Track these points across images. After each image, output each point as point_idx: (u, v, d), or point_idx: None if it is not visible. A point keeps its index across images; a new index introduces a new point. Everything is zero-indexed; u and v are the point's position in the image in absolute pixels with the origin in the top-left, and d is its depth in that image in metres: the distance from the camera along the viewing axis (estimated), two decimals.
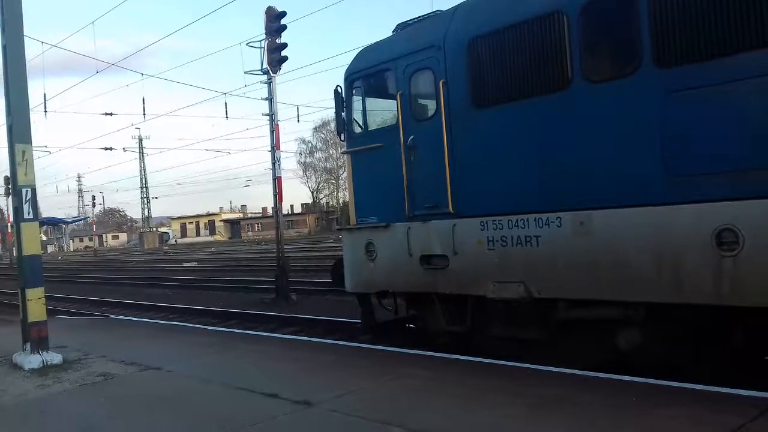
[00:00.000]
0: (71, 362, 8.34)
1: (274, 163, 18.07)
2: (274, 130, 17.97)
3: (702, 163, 5.32)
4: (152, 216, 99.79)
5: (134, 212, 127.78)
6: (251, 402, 5.95)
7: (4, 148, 8.94)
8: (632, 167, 5.77)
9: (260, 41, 17.83)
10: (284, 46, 17.37)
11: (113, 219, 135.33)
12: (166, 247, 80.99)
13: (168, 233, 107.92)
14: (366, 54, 8.76)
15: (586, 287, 6.19)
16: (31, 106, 9.00)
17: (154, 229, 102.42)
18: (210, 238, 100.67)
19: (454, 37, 7.36)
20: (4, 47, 8.65)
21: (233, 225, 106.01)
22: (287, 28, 17.28)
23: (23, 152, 8.61)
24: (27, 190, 8.62)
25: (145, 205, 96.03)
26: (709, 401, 4.97)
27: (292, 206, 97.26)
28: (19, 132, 8.65)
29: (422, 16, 8.33)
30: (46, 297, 8.74)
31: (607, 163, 5.97)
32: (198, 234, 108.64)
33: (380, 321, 9.13)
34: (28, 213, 8.62)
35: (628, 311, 6.06)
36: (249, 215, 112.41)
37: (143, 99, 39.55)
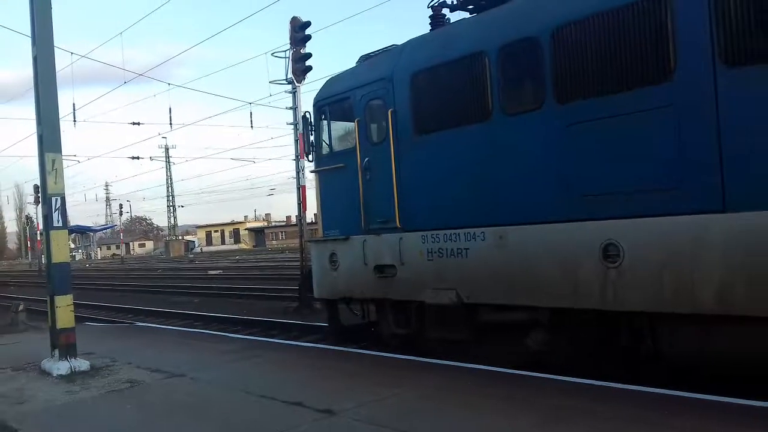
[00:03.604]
0: (98, 369, 8.43)
1: (298, 172, 18.17)
2: (298, 140, 18.06)
3: (592, 186, 6.17)
4: (178, 224, 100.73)
5: (160, 220, 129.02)
6: (274, 410, 5.96)
7: (35, 157, 9.06)
8: (539, 189, 6.61)
9: (285, 51, 17.99)
10: (309, 55, 17.49)
11: (140, 227, 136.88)
12: (192, 255, 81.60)
13: (194, 241, 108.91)
14: (332, 83, 9.69)
15: (503, 294, 7.05)
16: (60, 116, 9.10)
17: (180, 237, 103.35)
18: (234, 247, 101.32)
19: (400, 71, 8.24)
20: (35, 58, 8.80)
21: (257, 233, 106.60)
22: (312, 38, 17.42)
23: (53, 161, 8.74)
24: (56, 199, 8.74)
25: (171, 214, 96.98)
26: (722, 412, 4.91)
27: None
28: (49, 141, 8.78)
29: (382, 49, 9.16)
30: (74, 304, 8.84)
31: (520, 184, 6.82)
32: (223, 242, 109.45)
33: (348, 325, 9.91)
34: (58, 221, 8.74)
35: (536, 315, 6.88)
36: (273, 224, 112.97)
37: (170, 108, 40.02)
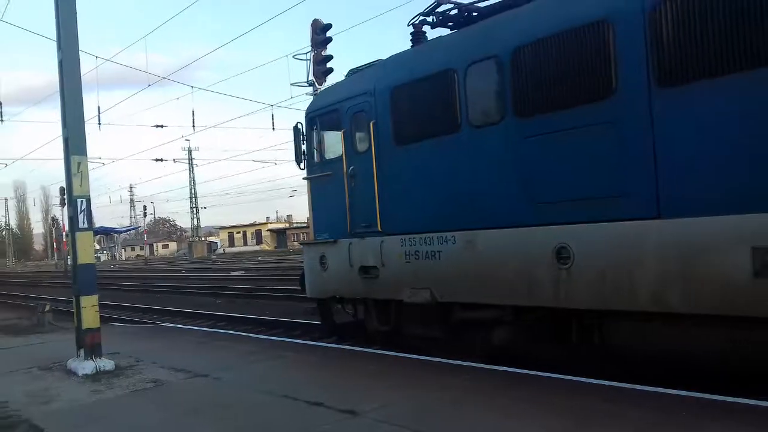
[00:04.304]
0: (123, 368, 8.52)
1: None
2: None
3: (546, 194, 6.70)
4: (201, 225, 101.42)
5: (184, 222, 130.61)
6: (297, 410, 5.99)
7: (61, 160, 9.17)
8: (502, 196, 7.17)
9: (306, 53, 18.06)
10: (330, 57, 17.55)
11: (163, 228, 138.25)
12: (215, 256, 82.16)
13: (216, 242, 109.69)
14: (323, 95, 10.32)
15: (472, 293, 7.61)
16: (85, 119, 9.20)
17: (203, 238, 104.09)
18: (257, 248, 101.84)
19: (381, 85, 8.80)
20: (61, 62, 8.91)
21: (279, 234, 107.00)
22: (332, 40, 17.47)
23: (78, 164, 8.84)
24: (82, 201, 8.84)
25: (194, 215, 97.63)
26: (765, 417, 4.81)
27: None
28: (75, 144, 8.88)
29: (368, 63, 9.77)
30: (99, 304, 8.94)
31: (486, 192, 7.36)
32: (245, 243, 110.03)
33: (340, 323, 10.52)
34: (83, 223, 8.84)
35: (501, 313, 7.43)
36: (294, 225, 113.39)
37: (193, 111, 40.49)
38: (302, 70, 18.60)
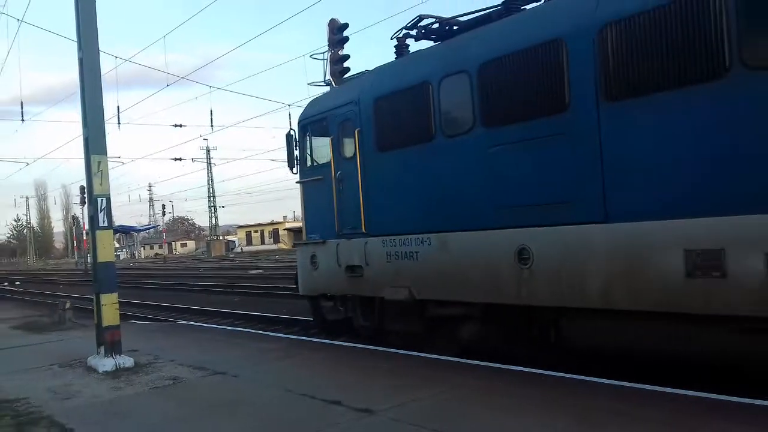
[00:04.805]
0: (142, 366, 8.60)
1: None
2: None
3: (509, 199, 7.24)
4: (219, 224, 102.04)
5: (202, 221, 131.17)
6: (314, 408, 6.02)
7: (81, 159, 9.27)
8: (471, 200, 7.69)
9: (323, 53, 18.04)
10: (347, 57, 17.51)
11: (182, 227, 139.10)
12: (232, 255, 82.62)
13: (234, 241, 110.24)
14: (314, 103, 10.85)
15: (445, 291, 8.11)
16: (105, 119, 9.29)
17: (221, 237, 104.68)
18: (274, 246, 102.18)
19: (365, 95, 9.36)
20: (81, 62, 9.00)
21: (296, 233, 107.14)
22: (349, 40, 17.45)
23: (98, 163, 8.93)
24: (102, 200, 8.93)
25: (212, 214, 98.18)
26: None
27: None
28: (95, 143, 8.97)
29: (358, 73, 10.43)
30: (118, 302, 9.03)
31: (457, 196, 7.88)
32: (262, 242, 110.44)
33: (330, 319, 10.82)
34: (103, 221, 8.93)
35: (470, 310, 7.91)
36: None
37: (211, 111, 40.75)
38: (319, 70, 18.60)
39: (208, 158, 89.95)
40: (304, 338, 10.70)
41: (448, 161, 7.98)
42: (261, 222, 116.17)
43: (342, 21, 17.57)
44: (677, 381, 5.88)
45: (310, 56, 19.24)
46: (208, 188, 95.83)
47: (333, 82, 18.12)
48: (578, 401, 5.58)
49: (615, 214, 6.22)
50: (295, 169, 10.98)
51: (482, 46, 7.70)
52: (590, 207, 6.42)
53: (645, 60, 5.96)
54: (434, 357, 7.95)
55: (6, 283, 43.44)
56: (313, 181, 10.52)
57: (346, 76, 10.76)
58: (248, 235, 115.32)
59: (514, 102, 7.17)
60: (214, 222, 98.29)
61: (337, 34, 17.54)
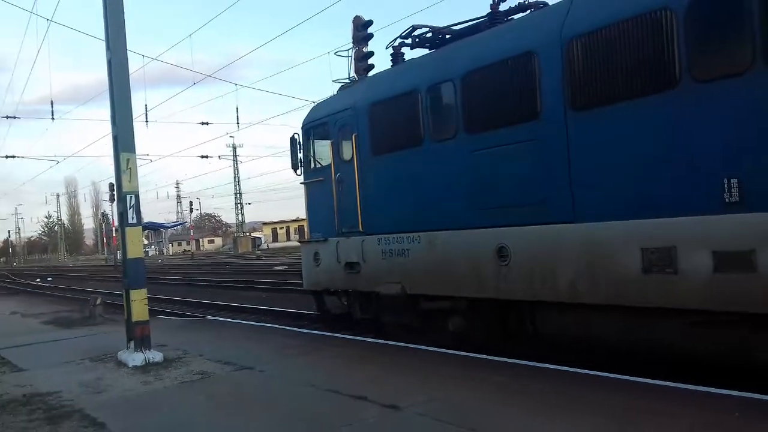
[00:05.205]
0: (171, 360, 8.72)
1: None
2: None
3: (489, 200, 7.73)
4: (245, 221, 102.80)
5: (228, 217, 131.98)
6: (340, 403, 6.06)
7: (110, 157, 9.42)
8: (456, 201, 8.19)
9: (347, 50, 18.05)
10: (371, 54, 17.51)
11: (209, 224, 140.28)
12: (258, 252, 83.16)
13: (260, 238, 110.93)
14: (317, 109, 11.47)
15: (434, 286, 8.66)
16: (133, 117, 9.42)
17: (247, 233, 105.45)
18: (299, 243, 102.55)
19: (362, 101, 9.91)
20: (110, 62, 9.13)
21: None
22: (374, 37, 17.43)
23: (127, 160, 9.05)
24: (131, 197, 9.05)
25: (239, 211, 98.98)
26: None
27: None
28: (124, 141, 9.10)
29: (357, 79, 11.12)
30: (147, 298, 9.16)
31: (443, 198, 8.38)
32: (288, 238, 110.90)
33: (334, 313, 11.51)
34: (132, 218, 9.05)
35: (457, 304, 8.42)
36: None
37: (237, 108, 40.91)
38: (344, 67, 18.66)
39: (234, 155, 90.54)
40: (328, 334, 10.74)
41: (435, 164, 8.50)
42: (286, 219, 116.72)
43: (366, 18, 17.60)
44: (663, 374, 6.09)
45: (335, 53, 19.28)
46: (235, 185, 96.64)
47: (357, 79, 18.17)
48: (612, 400, 5.54)
49: (581, 214, 6.70)
50: (299, 171, 11.52)
51: (465, 56, 8.24)
52: (560, 208, 6.90)
53: (605, 72, 6.44)
54: (462, 354, 7.93)
55: (38, 279, 44.31)
56: (315, 182, 11.06)
57: (342, 84, 11.37)
58: (274, 232, 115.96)
59: (493, 109, 7.71)
60: (240, 219, 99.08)
61: (361, 31, 17.53)
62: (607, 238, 6.44)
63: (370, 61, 17.68)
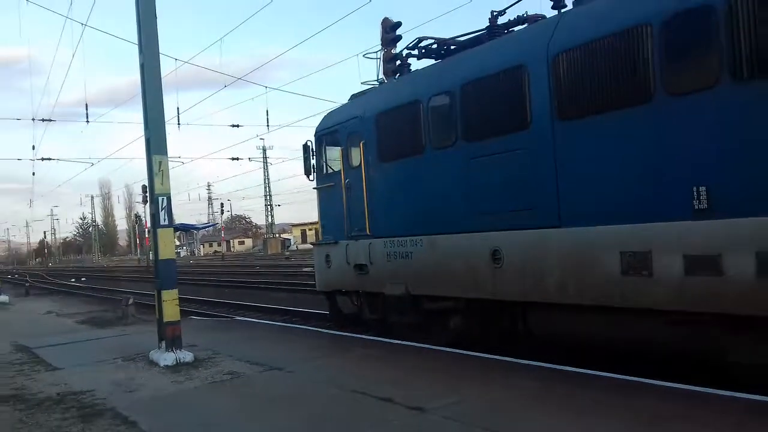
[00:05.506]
0: (201, 360, 8.82)
1: None
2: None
3: (484, 206, 8.12)
4: (275, 222, 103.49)
5: (259, 219, 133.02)
6: (366, 405, 6.08)
7: (143, 159, 9.56)
8: (455, 206, 8.57)
9: (376, 52, 18.08)
10: (400, 56, 17.51)
11: (240, 225, 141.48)
12: (288, 253, 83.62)
13: (290, 239, 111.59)
14: (329, 117, 11.86)
15: (435, 287, 9.08)
16: (165, 120, 9.53)
17: (277, 235, 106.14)
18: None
19: (369, 111, 10.34)
20: (142, 66, 9.28)
21: None
22: (402, 39, 17.43)
23: (160, 163, 9.19)
24: (163, 198, 9.18)
25: (269, 212, 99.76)
26: None
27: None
28: (156, 144, 9.24)
29: (364, 90, 11.37)
30: (179, 298, 9.28)
31: (443, 203, 8.78)
32: (317, 240, 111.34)
33: (346, 313, 11.74)
34: (164, 219, 9.18)
35: (456, 303, 8.82)
36: None
37: (267, 111, 41.31)
38: (372, 69, 18.74)
39: (265, 157, 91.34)
40: (355, 335, 10.77)
41: (436, 171, 8.91)
42: (315, 220, 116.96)
43: (395, 20, 17.62)
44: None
45: (364, 55, 19.35)
46: (265, 187, 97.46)
47: (386, 81, 18.20)
48: (638, 403, 5.46)
49: (567, 219, 7.06)
50: (311, 176, 11.98)
51: (463, 68, 8.65)
52: (548, 213, 7.25)
53: (587, 85, 6.79)
54: (488, 357, 7.90)
55: (73, 279, 45.17)
56: (327, 187, 11.54)
57: (353, 93, 11.71)
58: (303, 233, 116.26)
59: (488, 119, 8.08)
60: (270, 220, 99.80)
61: (390, 33, 17.56)
62: (589, 243, 6.78)
63: (398, 63, 17.74)
